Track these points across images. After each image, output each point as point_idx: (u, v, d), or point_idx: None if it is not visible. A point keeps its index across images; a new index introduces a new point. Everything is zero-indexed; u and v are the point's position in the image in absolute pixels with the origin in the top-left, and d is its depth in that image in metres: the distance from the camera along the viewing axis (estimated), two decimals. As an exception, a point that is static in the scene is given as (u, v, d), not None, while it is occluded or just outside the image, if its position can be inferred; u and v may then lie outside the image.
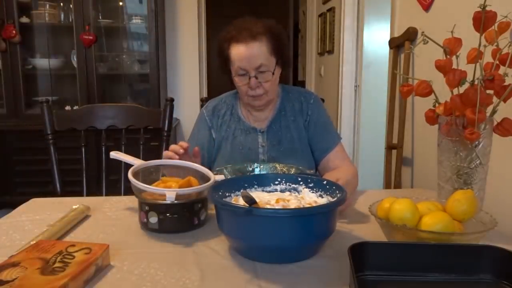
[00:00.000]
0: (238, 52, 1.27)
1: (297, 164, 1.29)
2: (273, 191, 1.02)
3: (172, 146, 1.16)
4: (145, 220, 0.98)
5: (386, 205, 0.89)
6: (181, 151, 1.14)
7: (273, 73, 1.29)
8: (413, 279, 0.76)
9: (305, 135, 1.39)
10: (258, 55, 1.26)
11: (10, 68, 2.97)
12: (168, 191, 0.93)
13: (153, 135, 1.91)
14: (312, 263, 0.83)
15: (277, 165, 1.26)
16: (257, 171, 1.25)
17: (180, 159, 1.13)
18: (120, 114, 1.68)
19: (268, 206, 0.88)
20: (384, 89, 2.34)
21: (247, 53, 1.26)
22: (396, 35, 2.08)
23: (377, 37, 2.93)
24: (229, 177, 1.21)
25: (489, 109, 0.98)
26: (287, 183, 1.03)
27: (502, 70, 0.95)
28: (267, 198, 0.94)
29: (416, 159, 1.94)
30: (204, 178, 1.08)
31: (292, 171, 1.19)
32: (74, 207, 1.08)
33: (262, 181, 1.04)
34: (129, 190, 1.10)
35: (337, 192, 0.92)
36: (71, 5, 2.94)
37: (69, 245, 0.81)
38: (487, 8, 0.92)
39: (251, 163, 1.27)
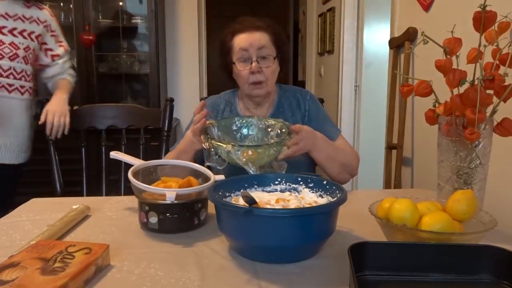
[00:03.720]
0: (241, 38, 1.32)
1: (297, 157, 1.28)
2: (273, 191, 1.02)
3: (196, 117, 1.19)
4: (145, 220, 0.98)
5: (386, 205, 0.89)
6: (204, 111, 1.19)
7: (274, 58, 1.33)
8: (413, 279, 0.76)
9: None
10: (260, 39, 1.32)
11: (10, 68, 2.96)
12: (168, 191, 0.93)
13: (153, 135, 1.91)
14: (312, 263, 0.83)
15: (263, 120, 1.30)
16: (245, 132, 1.30)
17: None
18: (120, 114, 1.68)
19: (268, 206, 0.88)
20: (384, 89, 2.34)
21: (250, 37, 1.31)
22: (396, 35, 2.08)
23: (377, 37, 2.93)
24: (218, 133, 1.23)
25: (489, 109, 0.98)
26: (287, 183, 1.03)
27: (502, 70, 0.95)
28: (267, 198, 0.93)
29: (416, 159, 1.94)
30: (204, 178, 1.08)
31: (278, 125, 1.25)
32: (74, 207, 1.08)
33: (262, 181, 1.04)
34: (129, 190, 1.10)
35: (337, 192, 0.92)
36: (71, 5, 2.94)
37: (69, 245, 0.81)
38: (487, 8, 0.92)
39: (236, 117, 1.32)
